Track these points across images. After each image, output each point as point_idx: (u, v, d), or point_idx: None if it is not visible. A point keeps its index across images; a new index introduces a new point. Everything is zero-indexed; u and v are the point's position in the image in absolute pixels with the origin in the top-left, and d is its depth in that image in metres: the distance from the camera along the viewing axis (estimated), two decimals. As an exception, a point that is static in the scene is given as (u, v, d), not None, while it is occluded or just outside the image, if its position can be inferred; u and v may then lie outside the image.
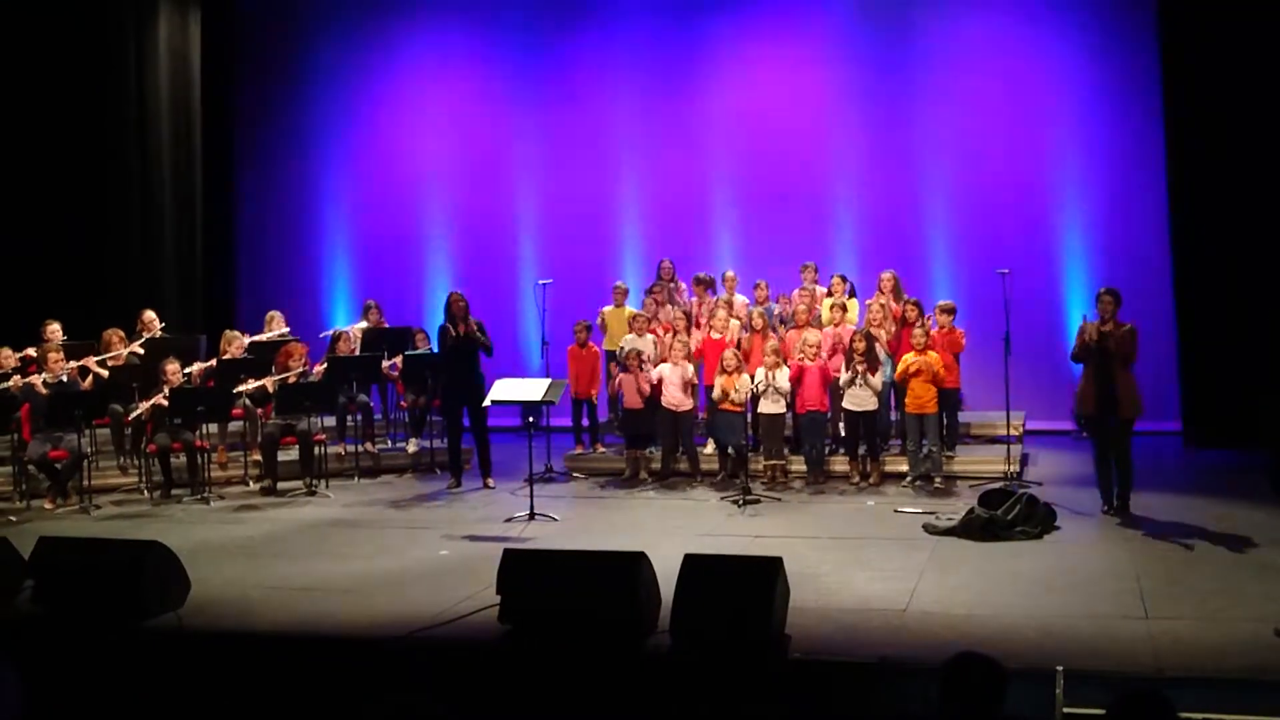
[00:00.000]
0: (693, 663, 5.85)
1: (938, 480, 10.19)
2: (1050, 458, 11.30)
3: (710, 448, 11.12)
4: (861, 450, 10.48)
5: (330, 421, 11.71)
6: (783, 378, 10.31)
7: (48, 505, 10.26)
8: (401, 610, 6.78)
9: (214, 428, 11.30)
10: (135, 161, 14.05)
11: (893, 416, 10.87)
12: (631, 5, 14.42)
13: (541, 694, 5.83)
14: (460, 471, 10.91)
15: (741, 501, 9.73)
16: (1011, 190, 13.12)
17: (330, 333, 12.84)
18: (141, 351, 11.63)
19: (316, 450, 11.03)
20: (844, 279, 11.78)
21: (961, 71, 13.27)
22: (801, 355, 10.49)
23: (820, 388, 10.48)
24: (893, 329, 10.83)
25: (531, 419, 10.25)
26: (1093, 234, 12.97)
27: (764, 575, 6.05)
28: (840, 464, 10.70)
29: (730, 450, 10.70)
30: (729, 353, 10.47)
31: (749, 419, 10.59)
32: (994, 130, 13.17)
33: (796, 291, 11.66)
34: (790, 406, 10.59)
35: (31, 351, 11.27)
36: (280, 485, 10.91)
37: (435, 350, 11.42)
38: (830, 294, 11.66)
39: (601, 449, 11.82)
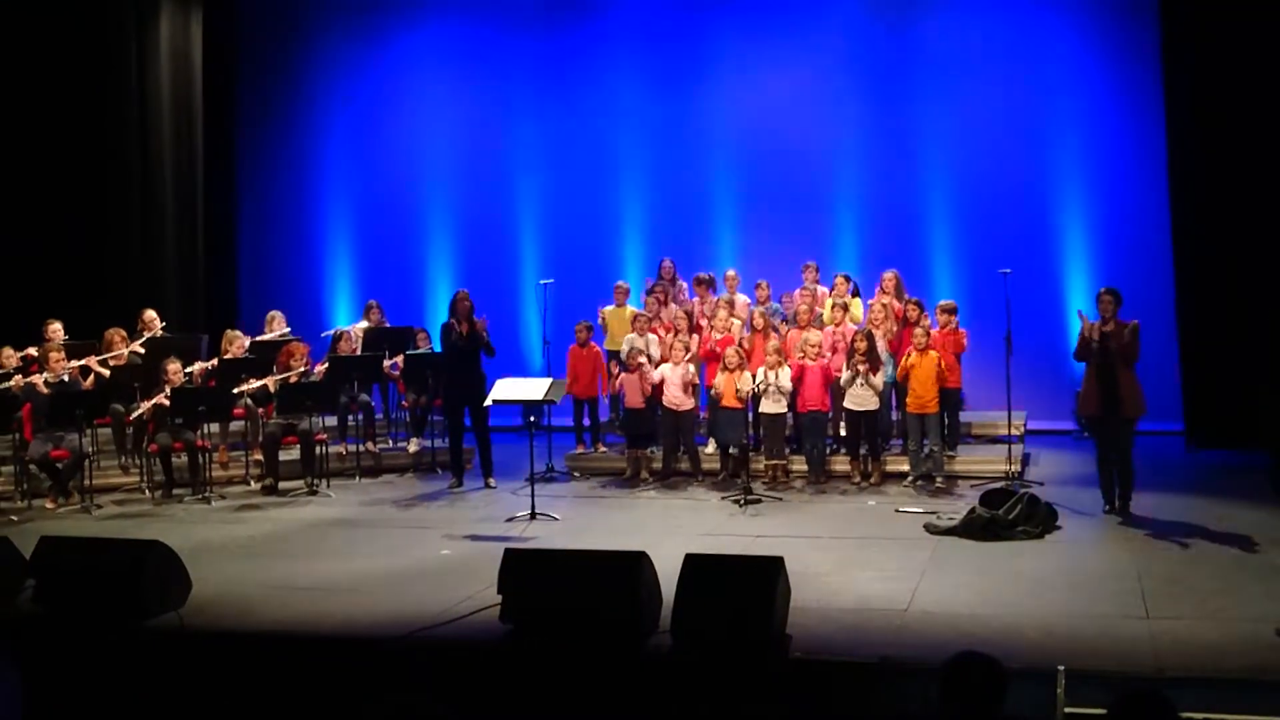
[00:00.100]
0: (694, 662, 5.85)
1: (939, 480, 10.19)
2: (1051, 457, 11.30)
3: (711, 447, 11.12)
4: (863, 450, 10.48)
5: (331, 421, 11.72)
6: (784, 377, 10.31)
7: (49, 505, 10.27)
8: (402, 610, 6.78)
9: (215, 427, 11.31)
10: (136, 161, 14.06)
11: (894, 416, 10.86)
12: (634, 5, 14.42)
13: (542, 694, 5.84)
14: (461, 471, 10.92)
15: (743, 501, 9.73)
16: (1013, 190, 13.11)
17: (331, 332, 12.86)
18: (142, 351, 11.63)
19: (318, 450, 11.04)
20: (848, 278, 11.79)
21: (964, 72, 13.25)
22: (803, 355, 10.48)
23: (821, 387, 10.48)
24: (894, 329, 10.82)
25: (533, 418, 10.26)
26: (1094, 234, 12.96)
27: (765, 575, 6.05)
28: (841, 464, 10.70)
29: (731, 450, 10.71)
30: (731, 350, 10.47)
31: (750, 418, 10.59)
32: (996, 130, 13.16)
33: (798, 291, 11.66)
34: (791, 406, 10.58)
35: (33, 351, 11.27)
36: (281, 485, 10.91)
37: (436, 350, 11.42)
38: (833, 293, 11.65)
39: (603, 448, 11.82)
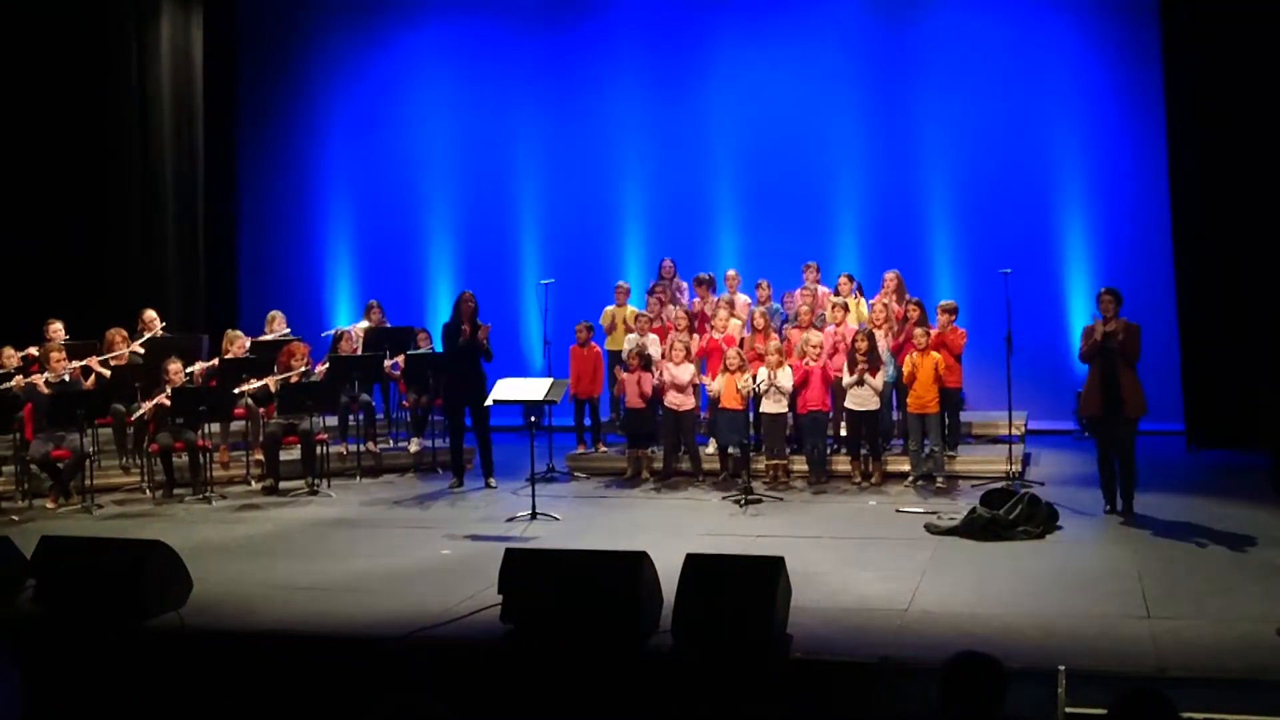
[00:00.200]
0: (694, 662, 5.85)
1: (939, 480, 10.19)
2: (1052, 457, 11.30)
3: (712, 447, 11.12)
4: (863, 450, 10.48)
5: (332, 421, 11.72)
6: (785, 377, 10.31)
7: (50, 505, 10.27)
8: (403, 609, 6.79)
9: (216, 427, 11.31)
10: (136, 161, 14.05)
11: (894, 416, 10.87)
12: (634, 5, 14.42)
13: (543, 693, 5.84)
14: (462, 471, 10.92)
15: (743, 501, 9.74)
16: (1014, 190, 13.11)
17: (332, 332, 12.86)
18: (143, 351, 11.63)
19: (318, 450, 11.04)
20: (850, 278, 11.79)
21: (964, 72, 13.26)
22: (803, 355, 10.48)
23: (822, 387, 10.48)
24: (895, 329, 10.82)
25: (533, 418, 10.26)
26: (1094, 234, 12.97)
27: (765, 575, 6.05)
28: (842, 464, 10.70)
29: (732, 450, 10.71)
30: (732, 351, 10.48)
31: (751, 419, 10.59)
32: (997, 131, 13.16)
33: (799, 291, 11.66)
34: (792, 406, 10.58)
35: (33, 351, 11.27)
36: (282, 485, 10.91)
37: (437, 350, 11.41)
38: (837, 293, 11.65)
39: (603, 448, 11.82)
